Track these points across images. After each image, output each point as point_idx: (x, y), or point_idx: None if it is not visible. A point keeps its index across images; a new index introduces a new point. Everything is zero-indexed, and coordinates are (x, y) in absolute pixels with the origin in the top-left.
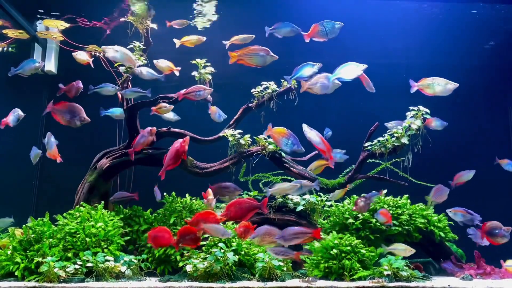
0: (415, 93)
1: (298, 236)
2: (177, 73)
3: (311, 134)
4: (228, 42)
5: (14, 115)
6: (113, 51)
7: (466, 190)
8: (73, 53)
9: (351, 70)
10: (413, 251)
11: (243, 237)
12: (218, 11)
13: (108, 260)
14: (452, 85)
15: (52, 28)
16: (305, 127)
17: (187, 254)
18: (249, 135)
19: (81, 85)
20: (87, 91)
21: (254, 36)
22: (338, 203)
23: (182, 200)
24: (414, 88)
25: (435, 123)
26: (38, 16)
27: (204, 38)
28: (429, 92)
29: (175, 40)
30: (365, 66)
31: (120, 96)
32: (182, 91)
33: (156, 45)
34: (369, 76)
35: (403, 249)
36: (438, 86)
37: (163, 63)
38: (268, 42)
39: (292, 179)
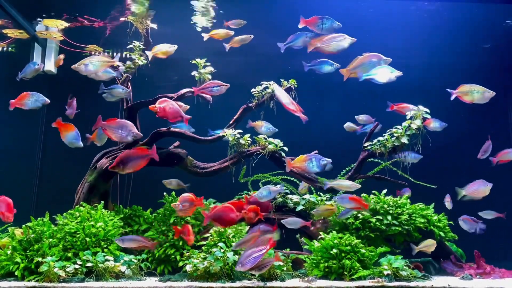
0: (415, 92)
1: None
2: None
3: (281, 94)
4: (228, 45)
5: (35, 99)
6: (83, 67)
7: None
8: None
9: (385, 74)
10: (358, 186)
11: (253, 220)
12: (218, 10)
13: (108, 260)
14: (489, 94)
15: (52, 27)
16: (275, 86)
17: (187, 254)
18: (249, 135)
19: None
20: (98, 90)
21: (252, 36)
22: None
23: None
24: (453, 95)
25: (434, 124)
26: (39, 18)
27: (232, 33)
28: (468, 99)
29: (203, 34)
30: (400, 73)
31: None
32: (198, 87)
33: (155, 45)
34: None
35: (348, 185)
36: (477, 93)
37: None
38: (268, 42)
39: (292, 179)
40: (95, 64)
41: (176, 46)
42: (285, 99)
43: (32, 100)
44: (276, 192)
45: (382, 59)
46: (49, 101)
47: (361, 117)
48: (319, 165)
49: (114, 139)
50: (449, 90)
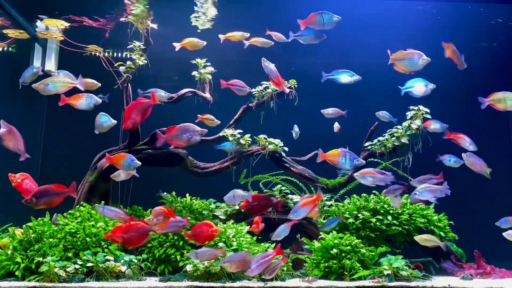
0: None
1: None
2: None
3: (271, 66)
4: (248, 42)
5: (89, 101)
6: (43, 86)
7: (467, 190)
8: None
9: (421, 87)
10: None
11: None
12: (218, 10)
13: (108, 260)
14: None
15: (52, 27)
16: (264, 61)
17: (187, 254)
18: (249, 135)
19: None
20: (138, 95)
21: (272, 43)
22: (338, 203)
23: (182, 200)
24: (485, 104)
25: (435, 126)
26: (39, 18)
27: (248, 34)
28: (501, 107)
29: (220, 36)
30: (433, 86)
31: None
32: (226, 81)
33: (156, 45)
34: (370, 75)
35: None
36: (510, 101)
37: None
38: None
39: (292, 179)
40: (56, 84)
41: (205, 42)
42: (273, 72)
43: (86, 101)
44: (242, 197)
45: (422, 57)
46: (100, 101)
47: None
48: (352, 164)
49: (184, 145)
50: (480, 98)
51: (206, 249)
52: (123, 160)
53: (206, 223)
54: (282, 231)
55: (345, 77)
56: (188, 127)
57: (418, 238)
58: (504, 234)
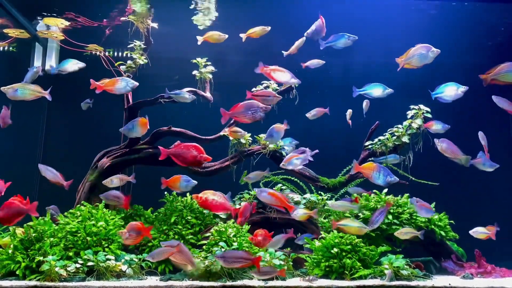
0: (415, 91)
1: (239, 260)
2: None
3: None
4: (245, 35)
5: (125, 84)
6: (11, 91)
7: (467, 189)
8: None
9: (452, 91)
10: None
11: (261, 245)
12: (218, 9)
13: (109, 259)
14: None
15: (53, 26)
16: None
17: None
18: (249, 134)
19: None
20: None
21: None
22: None
23: (182, 199)
24: (487, 82)
25: (436, 126)
26: (39, 17)
27: (269, 28)
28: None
29: (241, 35)
30: (466, 88)
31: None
32: (252, 92)
33: (156, 44)
34: (370, 75)
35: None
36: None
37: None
38: (269, 41)
39: (292, 178)
40: (25, 91)
41: (226, 36)
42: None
43: (123, 85)
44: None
45: (431, 50)
46: (137, 84)
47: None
48: (385, 180)
49: (248, 121)
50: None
51: (160, 249)
52: (179, 182)
53: (195, 145)
54: (276, 243)
55: (378, 91)
56: (252, 104)
57: (397, 233)
58: (470, 232)
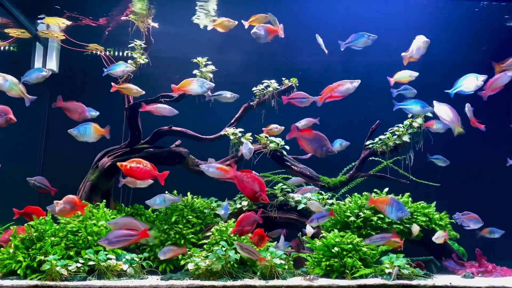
0: (417, 91)
1: (124, 239)
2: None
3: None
4: (247, 22)
5: (201, 85)
6: (2, 79)
7: (467, 188)
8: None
9: (471, 82)
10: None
11: (258, 245)
12: (219, 8)
13: (110, 259)
14: None
15: (53, 26)
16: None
17: (189, 252)
18: (250, 134)
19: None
20: (206, 97)
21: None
22: (339, 202)
23: (183, 199)
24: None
25: (437, 126)
26: (41, 17)
27: (269, 15)
28: None
29: (243, 22)
30: (485, 76)
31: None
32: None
33: (157, 44)
34: (371, 74)
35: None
36: None
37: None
38: (270, 41)
39: (294, 177)
40: (13, 87)
41: (236, 22)
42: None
43: (199, 85)
44: (172, 201)
45: (422, 39)
46: (213, 85)
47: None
48: (397, 216)
49: (314, 153)
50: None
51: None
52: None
53: (261, 181)
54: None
55: (417, 108)
56: (321, 138)
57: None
58: (434, 239)
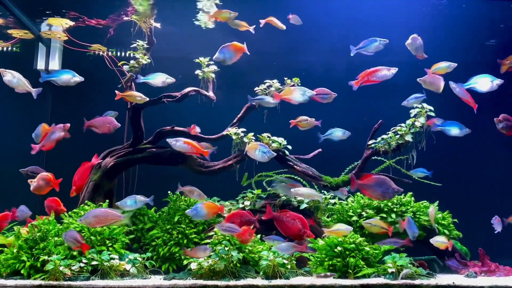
0: (417, 90)
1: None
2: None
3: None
4: (264, 21)
5: (302, 93)
6: (11, 76)
7: (470, 187)
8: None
9: (486, 83)
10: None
11: (245, 242)
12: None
13: (113, 258)
14: None
15: (57, 26)
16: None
17: None
18: (252, 133)
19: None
20: (248, 101)
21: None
22: (342, 201)
23: (186, 199)
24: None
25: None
26: (43, 17)
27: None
28: None
29: (261, 21)
30: (501, 81)
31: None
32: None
33: (159, 44)
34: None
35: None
36: None
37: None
38: (272, 41)
39: (295, 177)
40: (19, 83)
41: (237, 13)
42: None
43: (301, 94)
44: (143, 202)
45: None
46: (315, 93)
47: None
48: (413, 234)
49: (376, 199)
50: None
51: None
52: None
53: (301, 218)
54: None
55: (455, 130)
56: (385, 181)
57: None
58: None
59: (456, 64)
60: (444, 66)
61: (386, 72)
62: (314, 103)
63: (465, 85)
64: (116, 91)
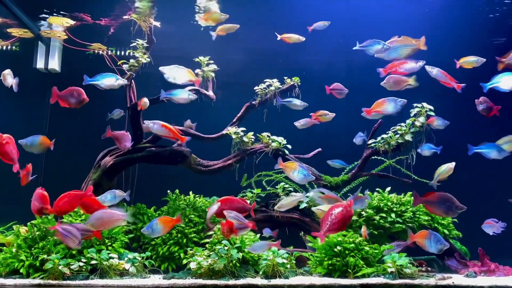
0: (418, 90)
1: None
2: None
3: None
4: (215, 33)
5: (396, 103)
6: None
7: (471, 187)
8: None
9: (509, 82)
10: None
11: (227, 235)
12: (222, 8)
13: (112, 258)
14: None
15: (57, 25)
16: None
17: (191, 251)
18: (252, 133)
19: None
20: (276, 104)
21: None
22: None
23: (185, 198)
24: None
25: (437, 122)
26: (43, 16)
27: (303, 39)
28: None
29: (278, 35)
30: None
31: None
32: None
33: (159, 43)
34: (373, 74)
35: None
36: None
37: None
38: (272, 40)
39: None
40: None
41: (227, 15)
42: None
43: (392, 105)
44: (121, 197)
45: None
46: (406, 101)
47: None
48: (436, 247)
49: (439, 215)
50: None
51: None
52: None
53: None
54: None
55: (494, 153)
56: (449, 198)
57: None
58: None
59: (484, 60)
60: (472, 60)
61: (414, 64)
62: (314, 103)
63: (487, 85)
64: (107, 128)
